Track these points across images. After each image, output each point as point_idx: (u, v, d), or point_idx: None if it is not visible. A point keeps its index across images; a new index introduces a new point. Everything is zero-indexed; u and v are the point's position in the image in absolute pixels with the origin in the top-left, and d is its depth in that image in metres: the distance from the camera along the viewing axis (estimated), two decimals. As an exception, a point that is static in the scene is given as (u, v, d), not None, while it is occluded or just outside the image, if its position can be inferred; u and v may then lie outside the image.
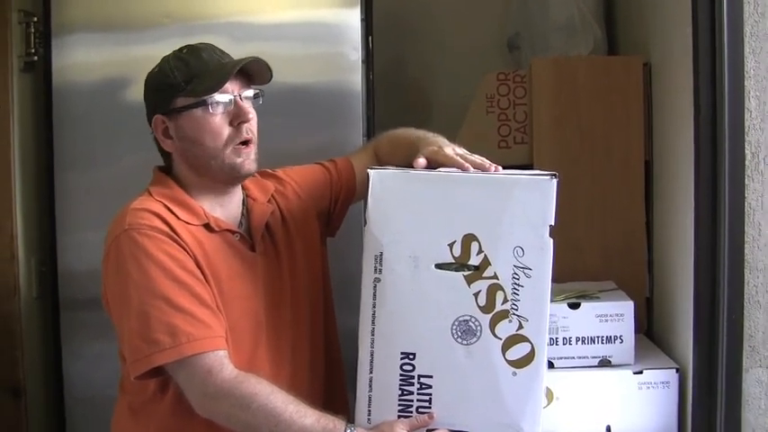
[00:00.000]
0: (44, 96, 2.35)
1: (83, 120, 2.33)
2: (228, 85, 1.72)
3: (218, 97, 1.71)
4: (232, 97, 1.72)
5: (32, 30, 2.36)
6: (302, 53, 2.30)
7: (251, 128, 1.75)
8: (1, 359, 2.32)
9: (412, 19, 2.96)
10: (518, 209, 1.59)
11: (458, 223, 1.60)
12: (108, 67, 2.29)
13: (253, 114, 1.75)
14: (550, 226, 1.59)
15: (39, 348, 2.44)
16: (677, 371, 1.96)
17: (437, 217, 1.60)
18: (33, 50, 2.37)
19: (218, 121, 1.72)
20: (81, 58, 2.30)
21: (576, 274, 2.29)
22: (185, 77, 1.71)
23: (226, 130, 1.73)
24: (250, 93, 1.77)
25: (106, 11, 2.30)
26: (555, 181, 1.59)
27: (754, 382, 1.86)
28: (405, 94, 2.95)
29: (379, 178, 1.61)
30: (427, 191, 1.61)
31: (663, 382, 1.96)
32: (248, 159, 1.75)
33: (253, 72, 1.77)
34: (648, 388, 1.96)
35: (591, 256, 2.33)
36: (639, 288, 2.31)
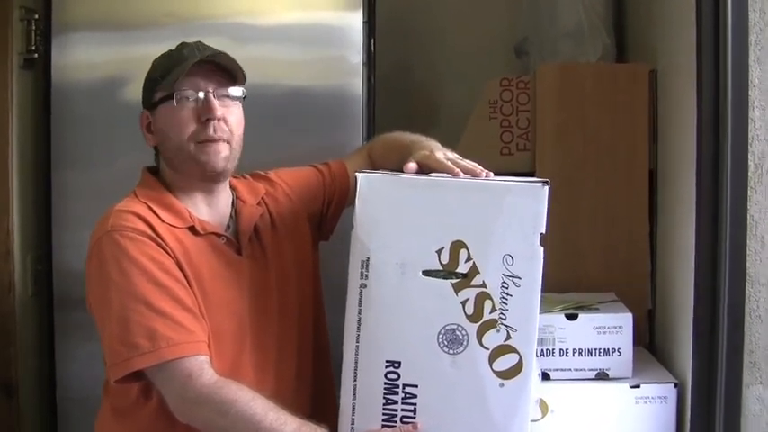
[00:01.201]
0: (44, 94, 2.34)
1: (82, 118, 2.31)
2: (201, 81, 1.70)
3: (186, 91, 1.69)
4: (203, 93, 1.70)
5: (33, 27, 2.34)
6: (303, 55, 2.28)
7: (222, 126, 1.72)
8: (-6, 357, 2.32)
9: (417, 22, 2.93)
10: (508, 216, 1.55)
11: (446, 230, 1.56)
12: (108, 66, 2.28)
13: (225, 112, 1.72)
14: (541, 234, 1.55)
15: (33, 347, 2.43)
16: (675, 385, 1.92)
17: (426, 223, 1.57)
18: (34, 48, 2.35)
19: (185, 115, 1.70)
20: (81, 57, 2.29)
21: (578, 283, 2.26)
22: (163, 72, 1.72)
23: (191, 126, 1.70)
24: (231, 91, 1.74)
25: (107, 9, 2.29)
26: (547, 188, 1.55)
27: (754, 398, 1.81)
28: (410, 99, 2.92)
29: (367, 182, 1.58)
30: (416, 196, 1.58)
31: (660, 397, 1.92)
32: (214, 158, 1.71)
33: (232, 71, 1.74)
34: (646, 402, 1.92)
35: (593, 266, 2.29)
36: (642, 300, 2.27)
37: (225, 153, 1.73)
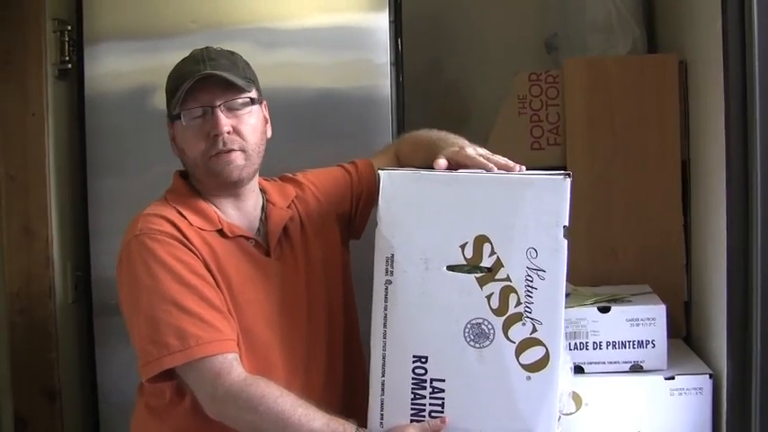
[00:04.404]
0: (78, 104, 2.39)
1: (115, 127, 2.35)
2: (205, 95, 1.70)
3: (193, 110, 1.71)
4: (206, 108, 1.71)
5: (66, 38, 2.40)
6: (330, 58, 2.30)
7: (233, 137, 1.72)
8: (37, 362, 2.36)
9: (447, 21, 2.93)
10: (531, 209, 1.55)
11: (470, 224, 1.57)
12: (139, 74, 2.32)
13: (229, 125, 1.71)
14: (565, 227, 1.55)
15: (74, 352, 2.48)
16: (711, 377, 1.91)
17: (449, 218, 1.57)
18: (68, 58, 2.41)
19: (194, 133, 1.72)
20: (113, 66, 2.33)
21: (613, 277, 2.25)
22: (172, 88, 1.74)
23: (201, 143, 1.72)
24: (235, 102, 1.73)
25: (136, 18, 2.33)
26: (569, 180, 1.54)
27: (790, 388, 1.79)
28: (441, 98, 2.92)
29: (389, 179, 1.59)
30: (438, 191, 1.58)
31: (696, 389, 1.91)
32: (229, 167, 1.72)
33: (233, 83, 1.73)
34: (681, 394, 1.91)
35: (627, 259, 2.28)
36: (677, 292, 2.26)
37: (239, 162, 1.73)
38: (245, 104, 1.74)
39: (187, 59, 1.76)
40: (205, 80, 1.70)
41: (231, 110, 1.73)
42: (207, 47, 1.78)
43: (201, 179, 1.77)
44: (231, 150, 1.72)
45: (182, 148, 1.76)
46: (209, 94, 1.71)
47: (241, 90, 1.73)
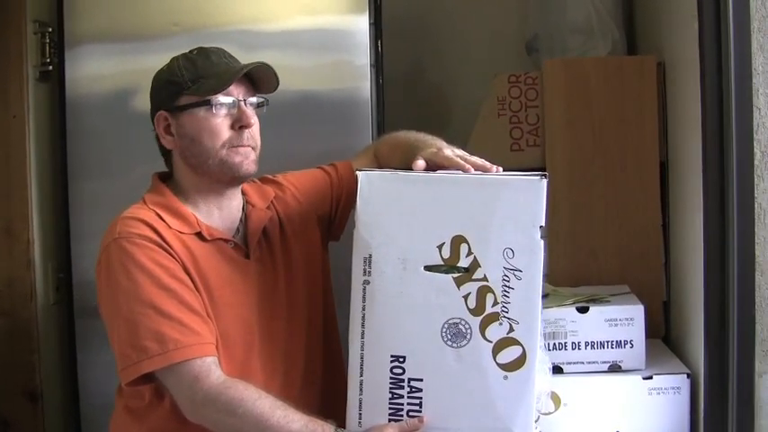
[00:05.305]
0: (59, 106, 2.39)
1: (96, 129, 2.35)
2: (234, 89, 1.73)
3: (222, 99, 1.72)
4: (236, 100, 1.74)
5: (47, 40, 2.40)
6: (311, 60, 2.31)
7: (252, 134, 1.76)
8: (18, 363, 2.36)
9: (429, 23, 2.95)
10: (507, 210, 1.56)
11: (447, 225, 1.57)
12: (120, 76, 2.32)
13: (255, 121, 1.77)
14: (541, 227, 1.56)
15: (56, 354, 2.47)
16: (688, 376, 1.92)
17: (426, 218, 1.58)
18: (48, 60, 2.40)
19: (219, 122, 1.73)
20: (94, 69, 2.33)
21: (593, 277, 2.27)
22: (192, 77, 1.74)
23: (226, 133, 1.74)
24: (255, 99, 1.78)
25: (117, 21, 2.33)
26: (545, 181, 1.55)
27: (766, 388, 1.80)
28: (423, 99, 2.93)
29: (367, 180, 1.60)
30: (416, 192, 1.59)
31: (673, 388, 1.93)
32: (247, 160, 1.75)
33: (259, 80, 1.78)
34: (659, 393, 1.93)
35: (607, 260, 2.30)
36: (657, 292, 2.28)
37: (253, 158, 1.77)
38: (260, 105, 1.80)
39: (203, 53, 1.77)
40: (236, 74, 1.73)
41: (247, 107, 1.76)
42: (215, 46, 1.81)
43: (209, 171, 1.76)
44: (249, 146, 1.76)
45: (192, 137, 1.75)
46: (238, 88, 1.75)
47: (266, 92, 1.80)
